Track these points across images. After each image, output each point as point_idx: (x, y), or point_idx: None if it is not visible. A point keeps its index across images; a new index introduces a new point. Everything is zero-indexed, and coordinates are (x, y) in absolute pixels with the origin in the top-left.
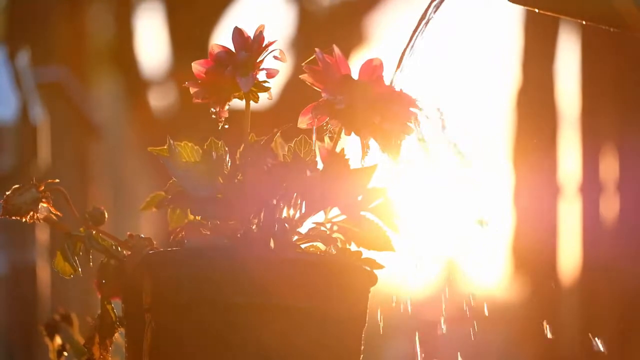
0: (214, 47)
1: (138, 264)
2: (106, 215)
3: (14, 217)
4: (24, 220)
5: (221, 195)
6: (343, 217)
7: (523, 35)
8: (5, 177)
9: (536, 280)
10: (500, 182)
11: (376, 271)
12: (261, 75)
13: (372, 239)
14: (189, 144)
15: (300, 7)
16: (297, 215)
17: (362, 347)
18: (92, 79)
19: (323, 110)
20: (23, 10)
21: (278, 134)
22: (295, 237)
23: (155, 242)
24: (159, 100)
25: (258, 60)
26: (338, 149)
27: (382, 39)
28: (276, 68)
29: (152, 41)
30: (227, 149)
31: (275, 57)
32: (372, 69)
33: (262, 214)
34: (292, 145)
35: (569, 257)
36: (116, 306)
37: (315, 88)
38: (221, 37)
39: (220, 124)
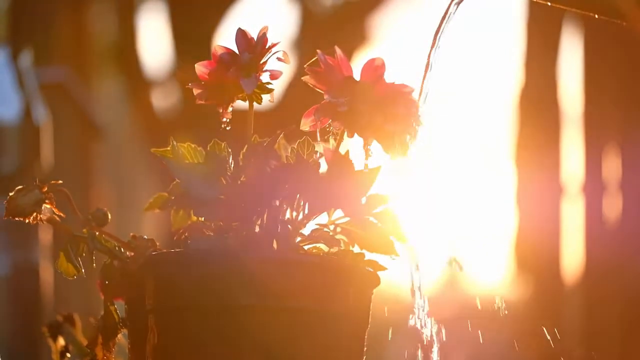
0: (217, 49)
1: (141, 265)
2: (109, 216)
3: (17, 218)
4: (27, 221)
5: (224, 197)
6: (346, 218)
7: (526, 35)
8: (8, 177)
9: (539, 280)
10: (503, 181)
11: (379, 272)
12: (264, 77)
13: (376, 241)
14: (192, 146)
15: (304, 7)
16: (300, 216)
17: (365, 348)
18: (95, 79)
19: (325, 112)
20: (26, 10)
21: (281, 135)
22: (298, 239)
23: (158, 243)
24: (162, 100)
25: (261, 62)
26: (341, 151)
27: (386, 39)
28: (279, 69)
29: (154, 41)
30: (230, 150)
31: (279, 59)
32: (374, 69)
33: (265, 216)
34: (295, 147)
35: (572, 256)
36: (119, 307)
37: (318, 90)
38: (224, 37)
39: (224, 125)
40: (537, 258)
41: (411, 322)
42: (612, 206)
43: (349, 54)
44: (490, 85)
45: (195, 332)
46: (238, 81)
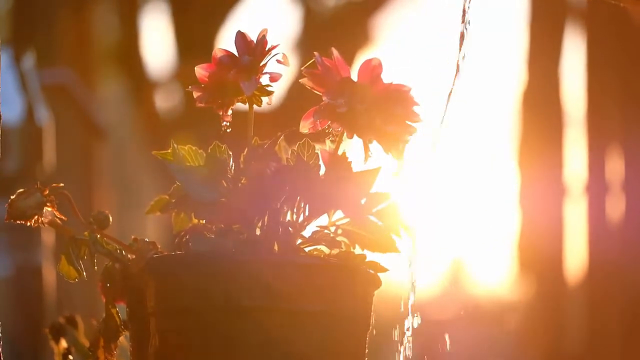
0: (217, 51)
1: (142, 268)
2: (110, 219)
3: (18, 221)
4: (28, 224)
5: (225, 199)
6: (347, 220)
7: (529, 35)
8: (10, 179)
9: (542, 280)
10: (505, 182)
11: (380, 273)
12: (264, 79)
13: (377, 242)
14: (193, 148)
15: (305, 7)
16: (301, 218)
17: (367, 350)
18: (98, 81)
19: (324, 114)
20: (28, 12)
21: (282, 137)
22: (299, 241)
23: (159, 246)
24: (164, 102)
25: (261, 64)
26: (340, 152)
27: (389, 39)
28: (279, 72)
29: (156, 43)
30: (230, 152)
31: (278, 61)
32: (371, 69)
33: (266, 218)
34: (296, 149)
35: (575, 256)
36: (121, 310)
37: (316, 92)
38: (226, 38)
39: (224, 128)
40: (540, 258)
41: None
42: (615, 206)
43: (351, 55)
44: (493, 86)
45: (196, 335)
46: (238, 84)
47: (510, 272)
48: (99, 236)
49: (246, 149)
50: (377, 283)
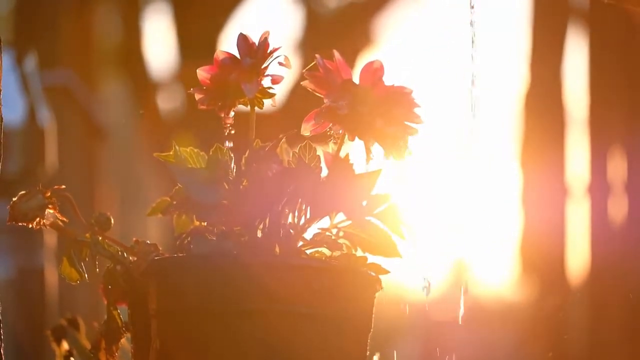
0: (219, 54)
1: (144, 270)
2: (112, 221)
3: (20, 223)
4: (30, 226)
5: (226, 201)
6: (348, 222)
7: (531, 36)
8: (12, 181)
9: (544, 281)
10: (508, 183)
11: (382, 276)
12: (266, 82)
13: (378, 244)
14: (195, 150)
15: (308, 8)
16: (302, 220)
17: (368, 352)
18: (100, 82)
19: (326, 116)
20: (30, 13)
21: (283, 139)
22: (301, 243)
23: (161, 248)
24: (166, 103)
25: (263, 67)
26: (342, 154)
27: (392, 41)
28: (281, 74)
29: (159, 44)
30: (232, 154)
31: (280, 64)
32: (373, 71)
33: (268, 220)
34: (297, 151)
35: (577, 258)
36: (122, 312)
37: (317, 94)
38: (229, 39)
39: (226, 130)
40: (543, 259)
41: (419, 323)
42: (618, 208)
43: (354, 56)
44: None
45: (198, 337)
46: (240, 86)
47: (512, 273)
48: (100, 238)
49: (248, 151)
50: (378, 285)
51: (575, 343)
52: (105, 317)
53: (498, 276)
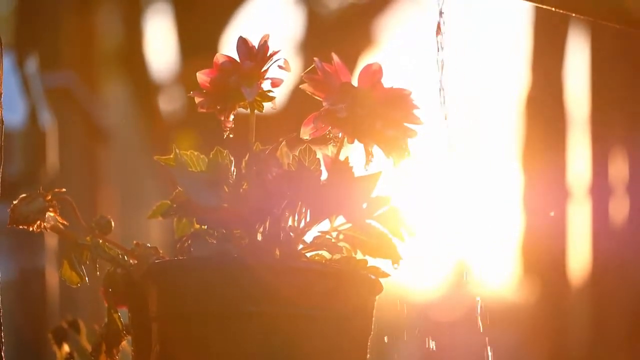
0: (218, 57)
1: (144, 273)
2: (113, 224)
3: (21, 226)
4: (31, 229)
5: (227, 204)
6: (348, 225)
7: (533, 38)
8: (13, 183)
9: (546, 282)
10: (509, 184)
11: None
12: (266, 85)
13: (378, 247)
14: (195, 153)
15: (309, 10)
16: (302, 223)
17: (368, 355)
18: (101, 84)
19: (325, 119)
20: (31, 15)
21: (283, 142)
22: (301, 246)
23: (161, 251)
24: (167, 105)
25: (263, 70)
26: (342, 157)
27: (392, 42)
28: (281, 77)
29: (160, 46)
30: (232, 158)
31: (280, 67)
32: (371, 74)
33: (268, 223)
34: (297, 154)
35: (578, 258)
36: (123, 314)
37: (316, 97)
38: (229, 41)
39: (226, 134)
40: (544, 260)
41: (419, 324)
42: (619, 208)
43: (355, 57)
44: (496, 87)
45: (198, 339)
46: (239, 89)
47: (514, 274)
48: (101, 241)
49: (248, 154)
50: (379, 288)
51: (576, 344)
52: (106, 319)
53: (499, 276)
